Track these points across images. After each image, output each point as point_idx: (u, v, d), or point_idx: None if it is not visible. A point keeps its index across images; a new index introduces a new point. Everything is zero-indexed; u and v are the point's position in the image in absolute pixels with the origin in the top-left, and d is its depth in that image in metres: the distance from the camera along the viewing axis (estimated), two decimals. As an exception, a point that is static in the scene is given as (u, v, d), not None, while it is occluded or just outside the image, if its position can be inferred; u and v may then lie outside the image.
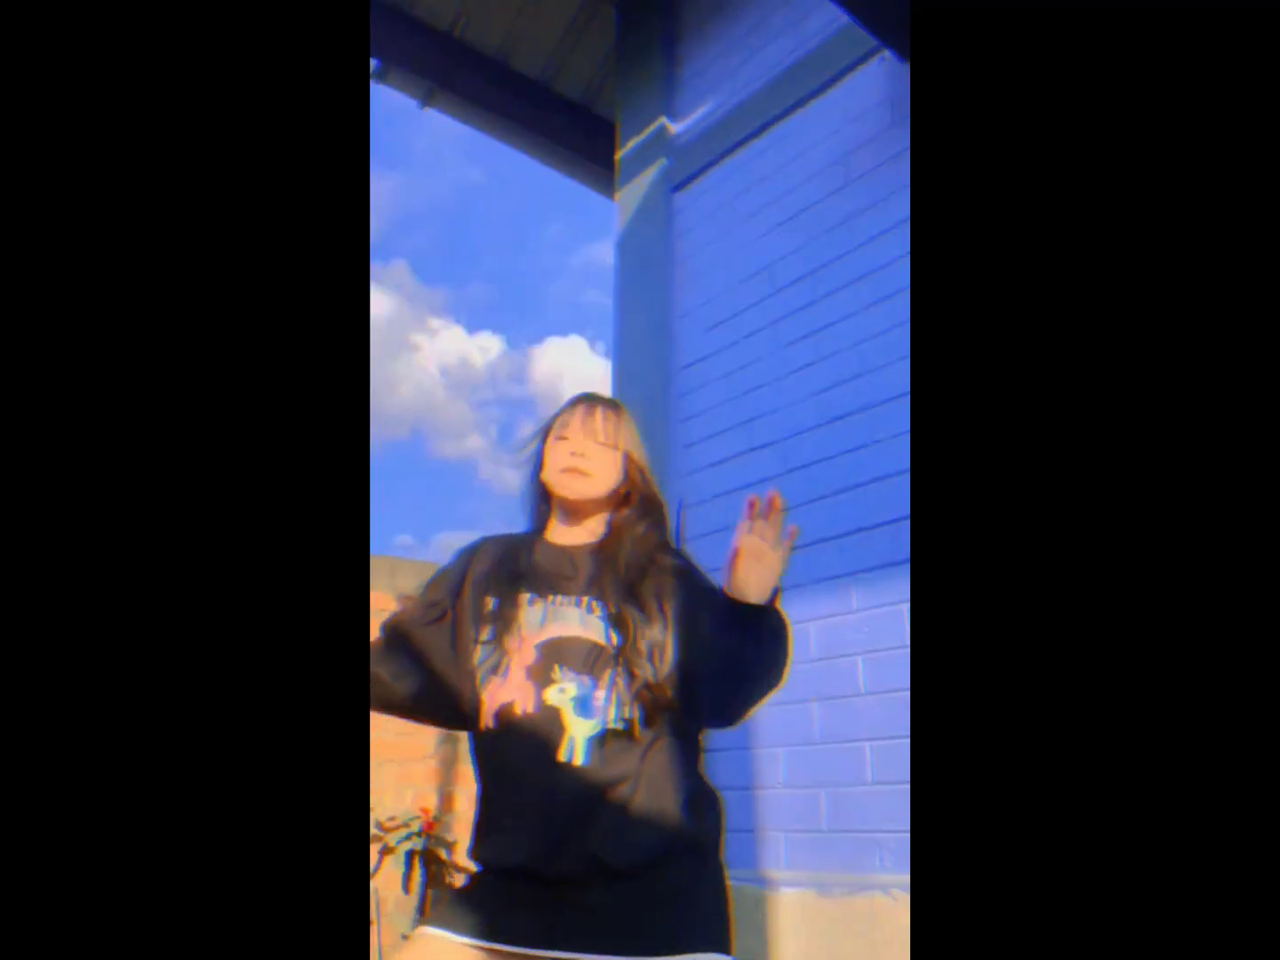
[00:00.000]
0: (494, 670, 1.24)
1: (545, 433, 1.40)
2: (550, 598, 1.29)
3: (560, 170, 4.53)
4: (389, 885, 3.11)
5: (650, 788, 1.21)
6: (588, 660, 1.23)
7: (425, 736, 3.35)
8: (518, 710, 1.22)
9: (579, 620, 1.26)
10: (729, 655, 1.22)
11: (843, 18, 2.70)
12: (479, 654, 1.25)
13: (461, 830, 3.35)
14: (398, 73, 4.00)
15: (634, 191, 3.53)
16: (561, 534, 1.37)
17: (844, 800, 2.38)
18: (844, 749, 2.40)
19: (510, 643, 1.24)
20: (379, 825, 3.11)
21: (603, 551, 1.33)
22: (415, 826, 3.15)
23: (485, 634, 1.26)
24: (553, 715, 1.20)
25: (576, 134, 4.34)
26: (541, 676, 1.22)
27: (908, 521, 2.32)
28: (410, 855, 3.15)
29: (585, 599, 1.28)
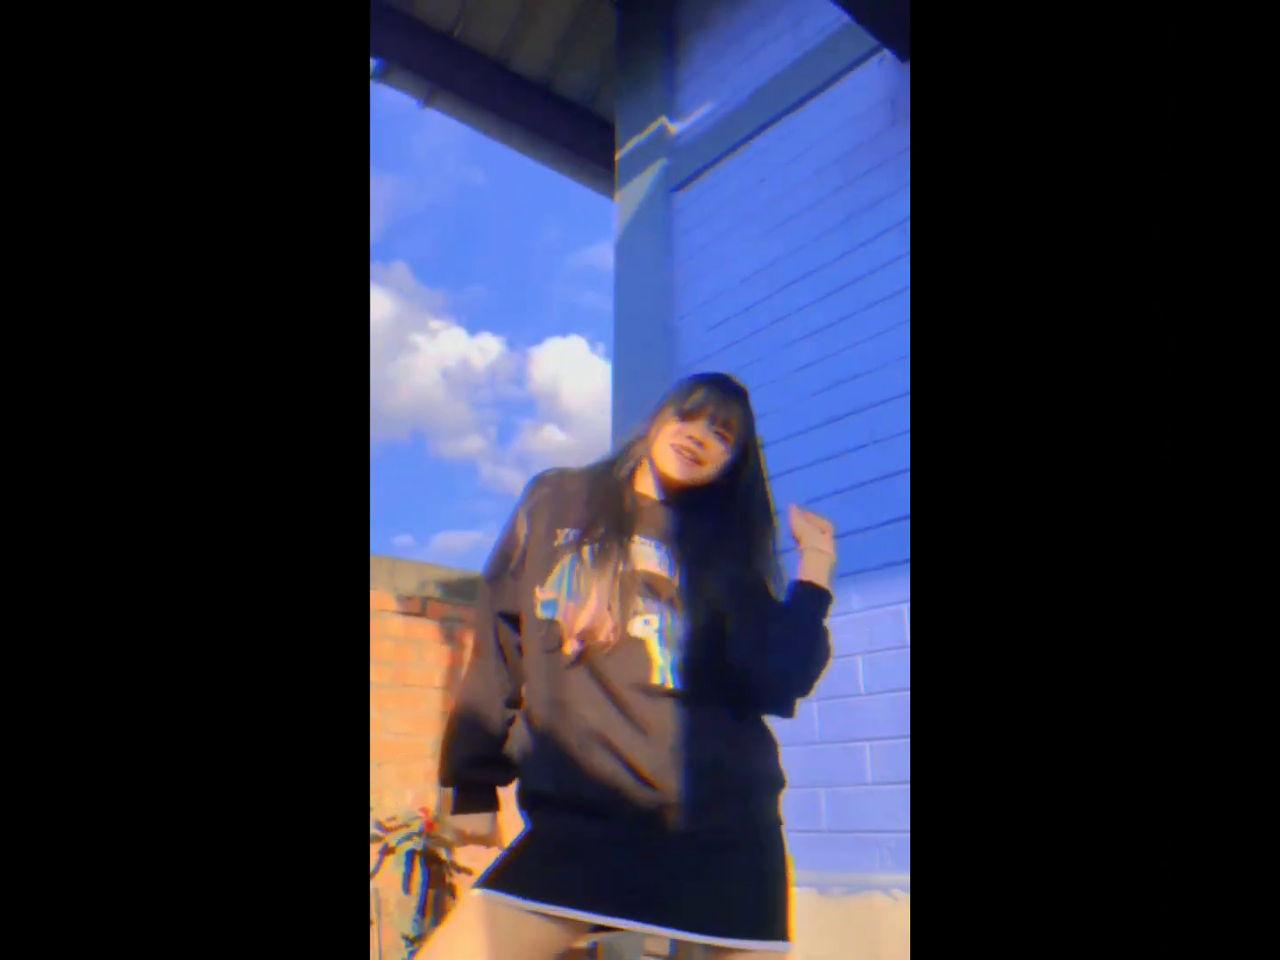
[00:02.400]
0: (572, 597, 1.23)
1: (675, 404, 1.35)
2: (634, 536, 1.28)
3: (560, 171, 4.54)
4: (389, 885, 3.11)
5: (745, 747, 1.24)
6: (666, 596, 1.24)
7: (425, 736, 3.35)
8: (601, 637, 1.21)
9: (659, 561, 1.27)
10: (782, 639, 1.25)
11: (842, 18, 2.70)
12: (553, 581, 1.25)
13: (461, 830, 3.34)
14: (398, 73, 4.00)
15: (634, 191, 3.53)
16: (648, 487, 1.36)
17: (844, 800, 2.38)
18: (844, 749, 2.40)
19: (593, 572, 1.23)
20: (379, 825, 3.11)
21: (692, 518, 1.31)
22: (416, 826, 3.15)
23: (564, 563, 1.25)
24: (639, 644, 1.21)
25: (576, 134, 4.34)
26: (624, 607, 1.22)
27: (907, 521, 2.32)
28: (411, 855, 3.15)
29: (665, 545, 1.28)
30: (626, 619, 1.21)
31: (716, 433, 1.32)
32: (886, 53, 2.69)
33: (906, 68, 2.65)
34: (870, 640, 2.39)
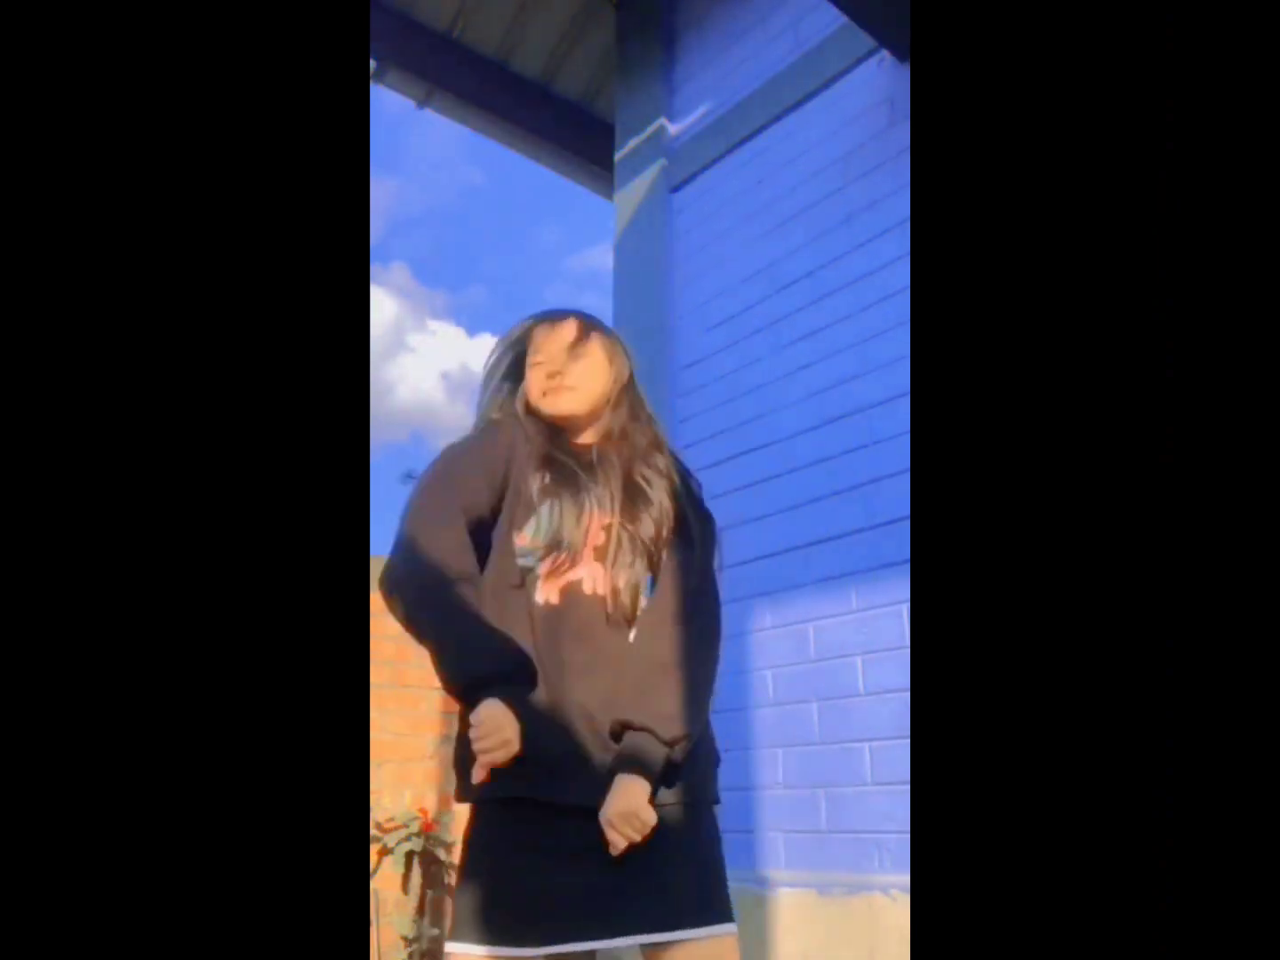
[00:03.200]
0: (563, 547, 1.20)
1: (513, 364, 1.36)
2: (598, 483, 1.26)
3: (558, 171, 4.53)
4: (388, 886, 3.11)
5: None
6: (641, 545, 1.23)
7: (424, 737, 3.34)
8: (587, 589, 1.20)
9: (616, 507, 1.25)
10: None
11: (840, 18, 2.70)
12: (531, 528, 1.21)
13: (460, 831, 3.34)
14: (396, 73, 3.99)
15: (632, 192, 3.53)
16: (577, 438, 1.34)
17: (843, 800, 2.38)
18: (843, 749, 2.40)
19: (578, 521, 1.21)
20: (378, 826, 3.11)
21: (610, 452, 1.31)
22: (414, 827, 3.15)
23: (543, 510, 1.22)
24: (629, 595, 1.20)
25: (575, 135, 4.34)
26: (611, 557, 1.21)
27: (907, 521, 2.32)
28: (409, 856, 3.15)
29: (615, 492, 1.26)
30: (613, 569, 1.21)
31: (567, 355, 1.31)
32: (885, 53, 2.69)
33: (905, 68, 2.65)
34: (870, 640, 2.39)
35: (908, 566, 2.28)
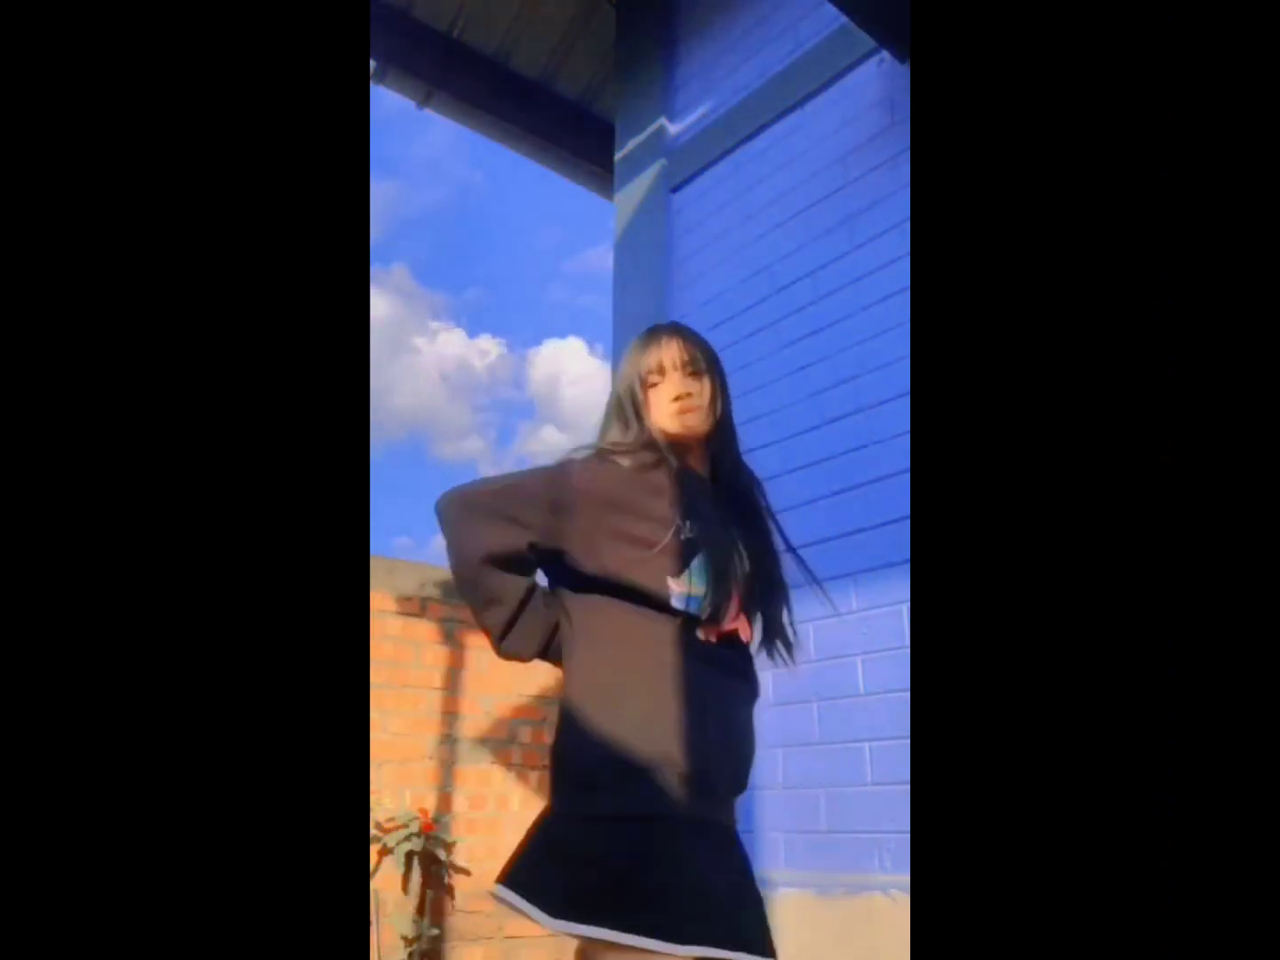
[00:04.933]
0: (721, 595, 1.20)
1: (638, 385, 1.31)
2: (730, 528, 1.27)
3: (558, 172, 4.54)
4: (388, 886, 3.11)
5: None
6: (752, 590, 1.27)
7: (424, 737, 3.34)
8: (744, 636, 1.23)
9: (743, 551, 1.27)
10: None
11: (840, 19, 2.70)
12: (688, 574, 1.19)
13: (459, 831, 3.34)
14: (395, 73, 3.99)
15: (632, 193, 3.53)
16: (699, 468, 1.33)
17: (843, 801, 2.38)
18: (843, 749, 2.40)
19: (728, 570, 1.22)
20: (378, 826, 3.11)
21: (726, 488, 1.32)
22: (414, 827, 3.15)
23: (700, 557, 1.20)
24: (746, 640, 1.24)
25: (575, 135, 4.34)
26: (749, 606, 1.26)
27: (907, 521, 2.32)
28: (409, 856, 3.15)
29: (735, 531, 1.28)
30: (751, 618, 1.25)
31: (689, 375, 1.30)
32: (885, 53, 2.69)
33: (905, 68, 2.65)
34: (870, 640, 2.39)
35: (908, 566, 2.28)
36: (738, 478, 1.34)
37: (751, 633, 1.26)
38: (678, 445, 1.29)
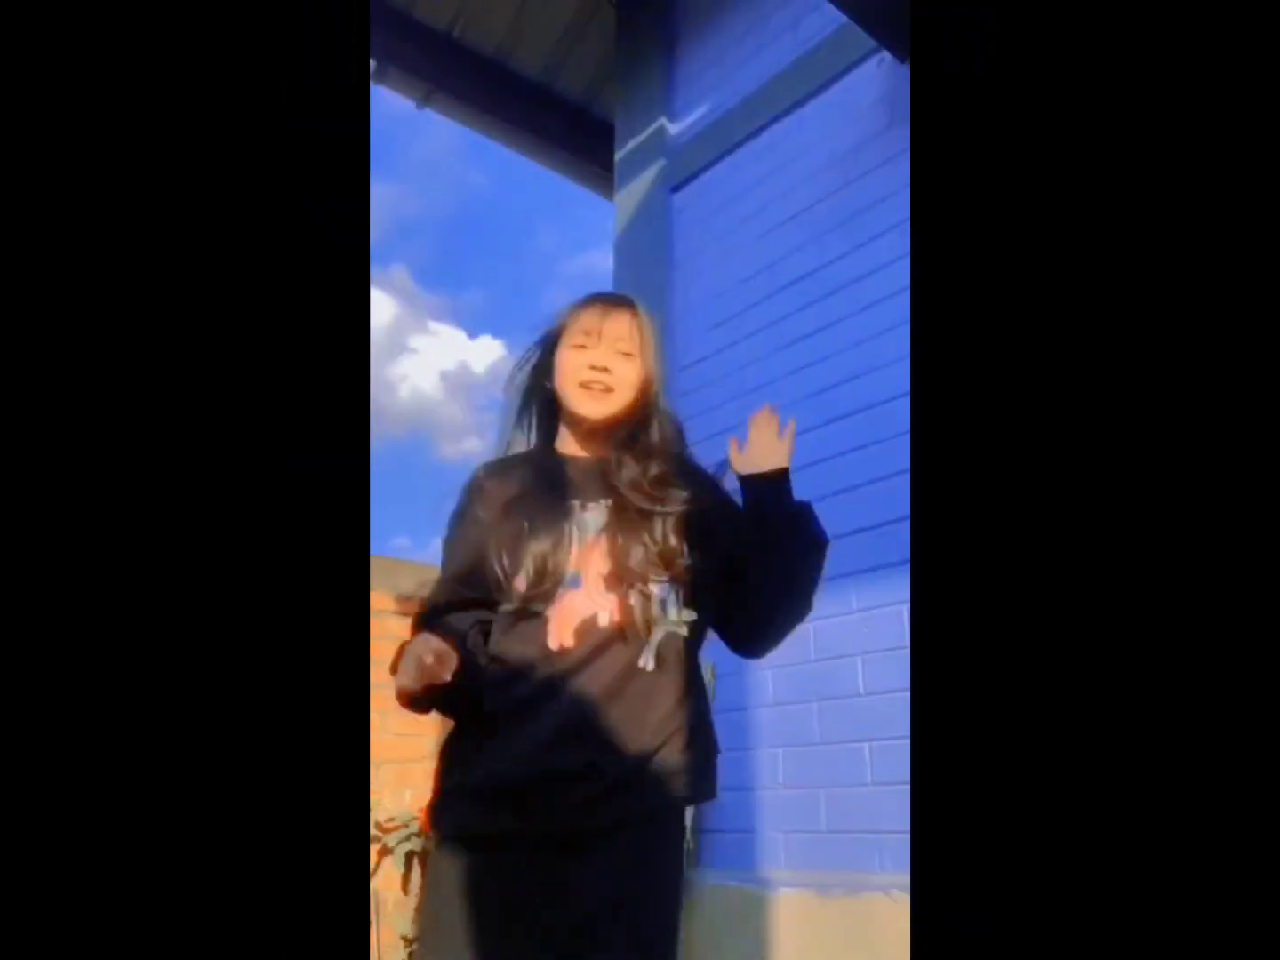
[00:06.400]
0: (560, 584, 1.12)
1: (554, 337, 1.26)
2: (597, 502, 1.18)
3: (558, 172, 4.53)
4: (388, 886, 3.10)
5: (700, 716, 1.16)
6: (650, 561, 1.14)
7: (424, 737, 3.34)
8: (602, 621, 1.13)
9: (626, 531, 1.16)
10: (752, 561, 1.17)
11: (840, 18, 2.70)
12: (530, 572, 1.13)
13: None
14: (395, 74, 3.99)
15: (632, 193, 3.53)
16: (572, 448, 1.26)
17: (843, 801, 2.38)
18: (843, 749, 2.40)
19: (574, 553, 1.14)
20: (378, 826, 3.11)
21: (617, 470, 1.21)
22: (414, 827, 3.15)
23: (538, 551, 1.13)
24: (643, 620, 1.12)
25: (575, 135, 4.34)
26: (622, 582, 1.13)
27: (907, 522, 2.31)
28: (409, 856, 3.15)
29: (618, 504, 1.18)
30: (627, 593, 1.13)
31: (617, 353, 1.22)
32: (885, 53, 2.69)
33: (905, 69, 2.65)
34: (870, 640, 2.39)
35: (908, 566, 2.28)
36: (653, 472, 1.21)
37: (619, 611, 1.13)
38: (572, 419, 1.24)
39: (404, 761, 3.28)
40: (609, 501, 1.19)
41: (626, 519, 1.17)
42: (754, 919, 2.42)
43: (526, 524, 1.16)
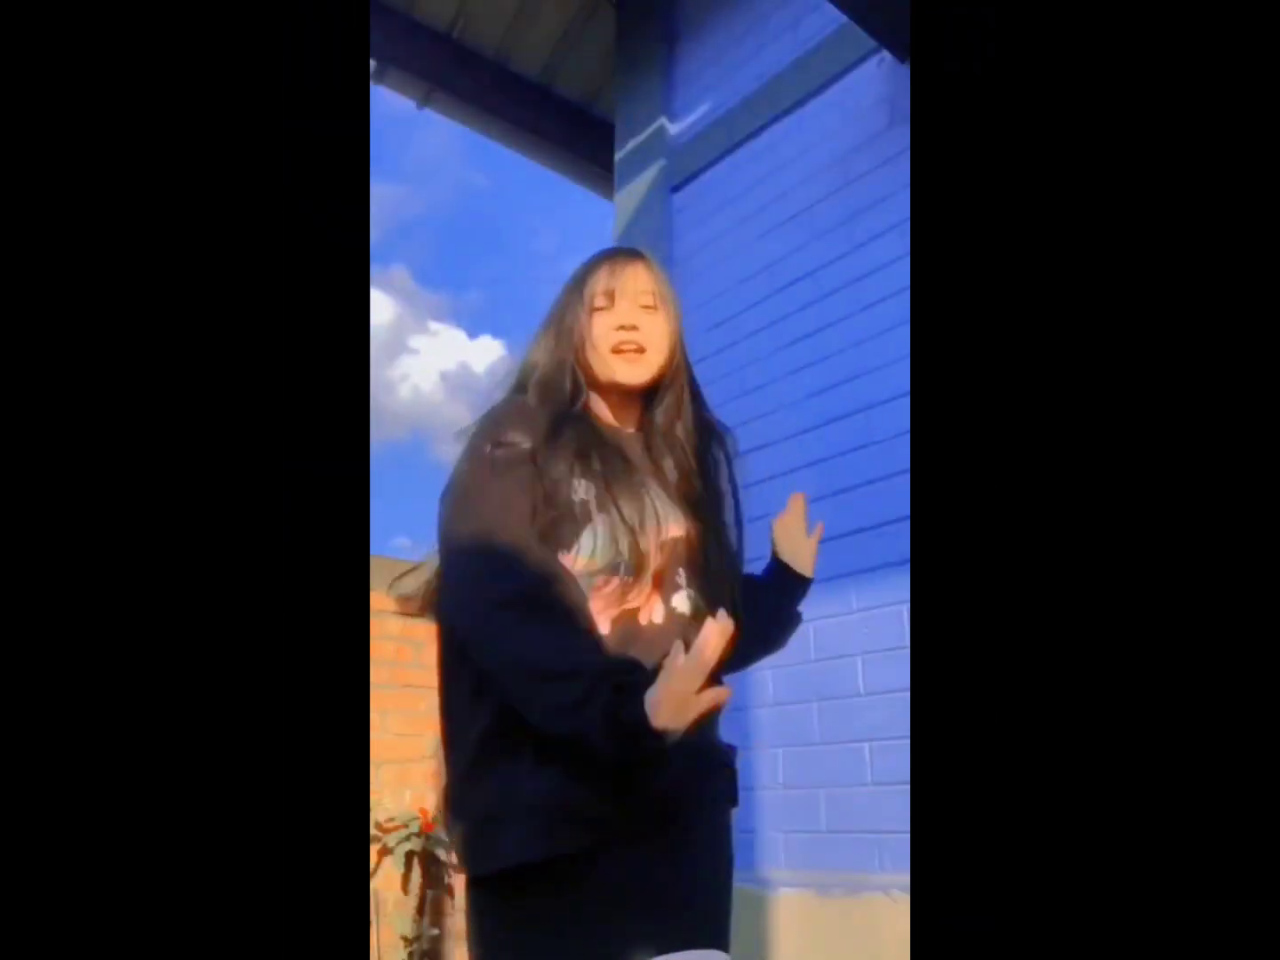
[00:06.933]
0: (624, 572, 0.99)
1: (571, 306, 1.14)
2: (649, 487, 1.05)
3: (558, 172, 4.53)
4: (388, 886, 3.11)
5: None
6: (694, 562, 1.05)
7: (424, 737, 3.34)
8: (642, 619, 1.01)
9: (675, 516, 1.06)
10: (750, 633, 1.07)
11: (840, 18, 2.70)
12: (580, 548, 1.00)
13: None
14: (396, 73, 3.99)
15: (632, 192, 3.53)
16: (607, 415, 1.14)
17: (843, 801, 2.38)
18: (843, 749, 2.40)
19: (638, 539, 1.00)
20: (378, 826, 3.11)
21: (661, 439, 1.13)
22: (414, 827, 3.15)
23: (592, 524, 1.00)
24: (680, 626, 1.01)
25: (575, 135, 4.34)
26: (668, 581, 1.03)
27: (907, 521, 2.32)
28: (409, 856, 3.15)
29: (666, 491, 1.07)
30: (670, 594, 1.03)
31: (642, 308, 1.11)
32: (885, 53, 2.69)
33: (905, 68, 2.65)
34: (870, 640, 2.39)
35: (908, 566, 2.28)
36: (690, 438, 1.14)
37: (662, 616, 1.03)
38: (603, 387, 1.12)
39: (404, 761, 3.28)
40: (655, 488, 1.08)
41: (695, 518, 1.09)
42: (754, 919, 2.42)
43: (612, 495, 1.02)
